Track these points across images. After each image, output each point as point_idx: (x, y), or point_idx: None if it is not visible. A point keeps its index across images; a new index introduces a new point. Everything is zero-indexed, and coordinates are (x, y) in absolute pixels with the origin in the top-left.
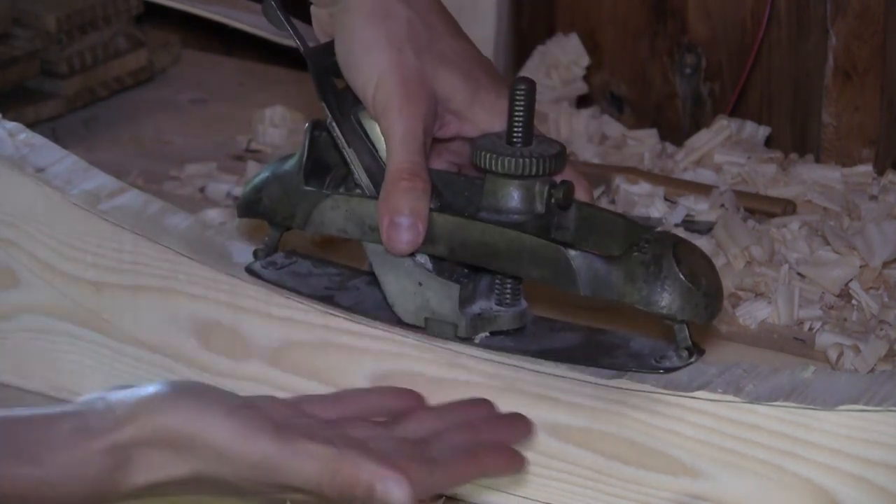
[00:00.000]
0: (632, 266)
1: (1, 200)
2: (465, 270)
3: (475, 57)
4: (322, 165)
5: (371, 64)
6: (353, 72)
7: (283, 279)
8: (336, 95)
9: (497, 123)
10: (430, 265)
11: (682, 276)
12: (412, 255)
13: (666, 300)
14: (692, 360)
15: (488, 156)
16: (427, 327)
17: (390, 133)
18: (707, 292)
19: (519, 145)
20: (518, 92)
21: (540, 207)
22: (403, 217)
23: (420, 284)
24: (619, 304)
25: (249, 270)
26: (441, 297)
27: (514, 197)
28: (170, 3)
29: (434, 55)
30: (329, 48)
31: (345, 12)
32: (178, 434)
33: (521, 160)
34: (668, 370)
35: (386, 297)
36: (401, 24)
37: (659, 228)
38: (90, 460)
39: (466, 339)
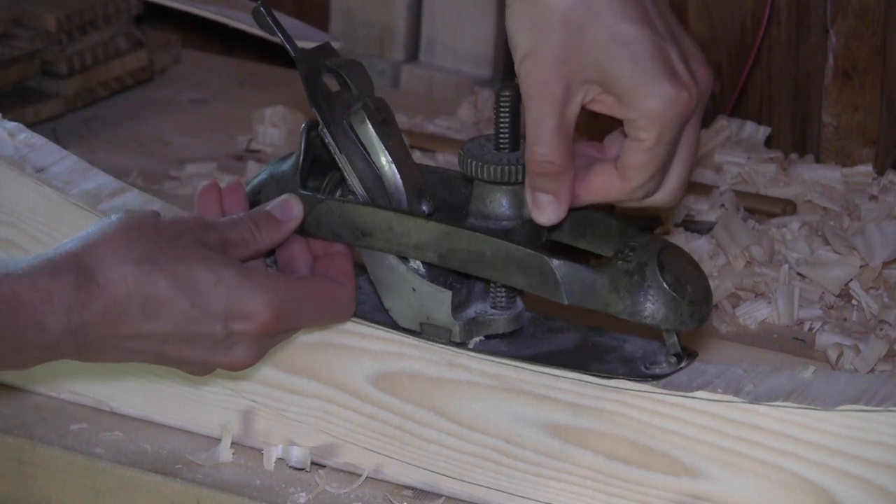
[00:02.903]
0: (615, 275)
1: (1, 200)
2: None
3: (646, 41)
4: (321, 165)
5: (518, 42)
6: (511, 44)
7: None
8: (328, 100)
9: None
10: (423, 271)
11: (665, 285)
12: (405, 261)
13: (649, 310)
14: (681, 366)
15: (475, 163)
16: (422, 332)
17: (526, 117)
18: (693, 300)
19: (506, 151)
20: (503, 98)
21: (528, 213)
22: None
23: (413, 290)
24: (605, 314)
25: None
26: (434, 303)
27: (502, 203)
28: (170, 3)
29: (590, 38)
30: (321, 50)
31: None
32: None
33: (507, 167)
34: (657, 377)
35: (382, 301)
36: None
37: (659, 229)
38: None
39: (461, 344)
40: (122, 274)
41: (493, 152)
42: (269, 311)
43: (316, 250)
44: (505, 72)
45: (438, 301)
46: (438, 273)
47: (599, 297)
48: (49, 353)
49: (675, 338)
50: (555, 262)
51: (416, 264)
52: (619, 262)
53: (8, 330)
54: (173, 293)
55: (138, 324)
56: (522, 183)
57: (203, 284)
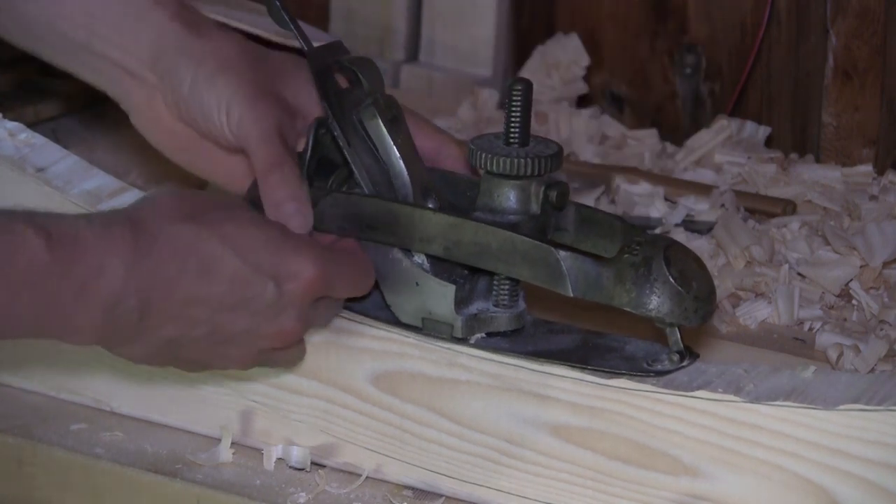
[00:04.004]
0: (621, 268)
1: (1, 200)
2: (464, 271)
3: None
4: (328, 163)
5: (216, 93)
6: (200, 109)
7: None
8: (338, 96)
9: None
10: (427, 265)
11: (671, 280)
12: (409, 255)
13: (654, 303)
14: (683, 363)
15: (484, 155)
16: (424, 327)
17: (248, 142)
18: (697, 296)
19: (516, 146)
20: (515, 92)
21: (535, 208)
22: (286, 206)
23: (417, 284)
24: (609, 307)
25: None
26: (437, 297)
27: (509, 197)
28: None
29: (270, 69)
30: (332, 48)
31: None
32: None
33: (516, 160)
34: (659, 374)
35: (384, 297)
36: (228, 54)
37: (658, 229)
38: None
39: (462, 340)
40: (175, 231)
41: (502, 146)
42: (315, 267)
43: (322, 241)
44: (504, 71)
45: (441, 296)
46: (442, 269)
47: (604, 289)
48: (110, 315)
49: (678, 335)
50: (561, 254)
51: (421, 259)
52: (626, 256)
53: (69, 270)
54: (225, 251)
55: (194, 285)
56: (531, 177)
57: (253, 242)
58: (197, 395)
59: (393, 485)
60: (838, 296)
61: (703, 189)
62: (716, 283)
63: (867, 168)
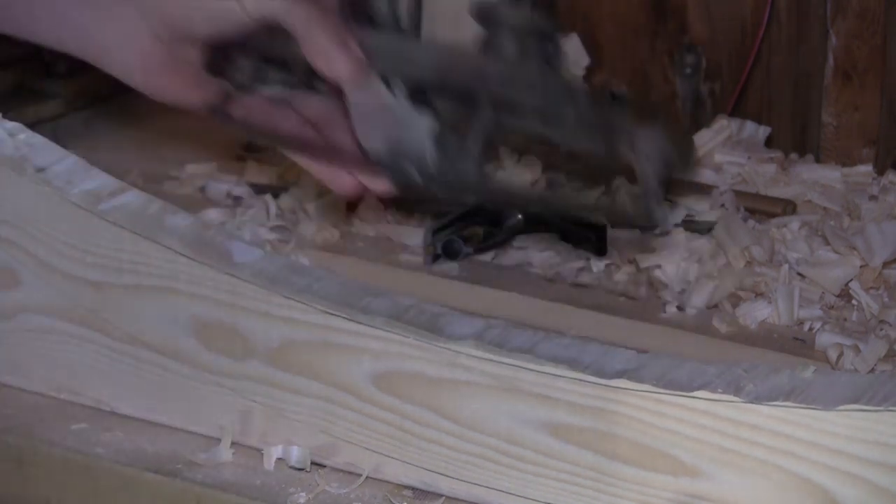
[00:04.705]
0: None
1: (1, 200)
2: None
3: None
4: None
5: None
6: (203, 8)
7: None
8: None
9: None
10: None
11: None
12: (388, 85)
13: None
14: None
15: None
16: (390, 155)
17: (274, 11)
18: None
19: None
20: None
21: None
22: (333, 53)
23: (389, 108)
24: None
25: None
26: (413, 126)
27: None
28: None
29: None
30: None
31: None
32: None
33: None
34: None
35: (352, 118)
36: None
37: (658, 229)
38: None
39: (429, 177)
40: None
41: None
42: None
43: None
44: None
45: (417, 125)
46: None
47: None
48: None
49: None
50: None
51: (401, 89)
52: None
53: None
54: None
55: None
56: None
57: None
58: (197, 394)
59: (393, 485)
60: (838, 296)
61: (703, 189)
62: (716, 283)
63: (867, 168)
